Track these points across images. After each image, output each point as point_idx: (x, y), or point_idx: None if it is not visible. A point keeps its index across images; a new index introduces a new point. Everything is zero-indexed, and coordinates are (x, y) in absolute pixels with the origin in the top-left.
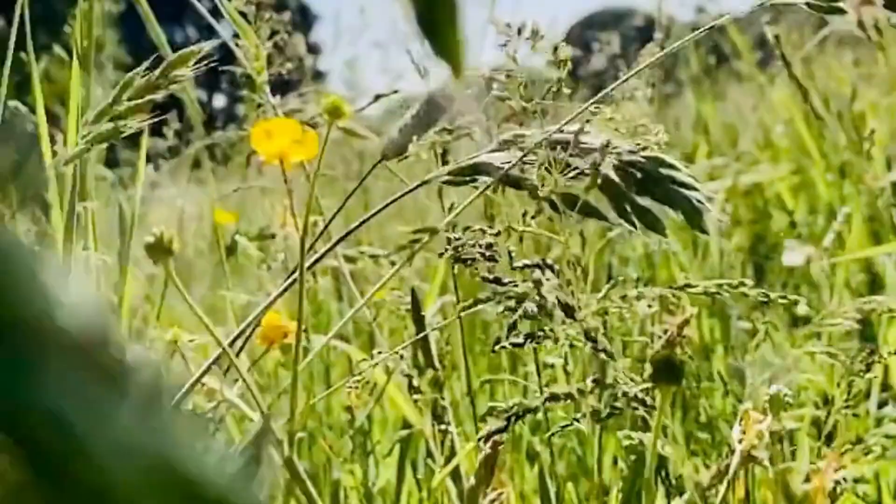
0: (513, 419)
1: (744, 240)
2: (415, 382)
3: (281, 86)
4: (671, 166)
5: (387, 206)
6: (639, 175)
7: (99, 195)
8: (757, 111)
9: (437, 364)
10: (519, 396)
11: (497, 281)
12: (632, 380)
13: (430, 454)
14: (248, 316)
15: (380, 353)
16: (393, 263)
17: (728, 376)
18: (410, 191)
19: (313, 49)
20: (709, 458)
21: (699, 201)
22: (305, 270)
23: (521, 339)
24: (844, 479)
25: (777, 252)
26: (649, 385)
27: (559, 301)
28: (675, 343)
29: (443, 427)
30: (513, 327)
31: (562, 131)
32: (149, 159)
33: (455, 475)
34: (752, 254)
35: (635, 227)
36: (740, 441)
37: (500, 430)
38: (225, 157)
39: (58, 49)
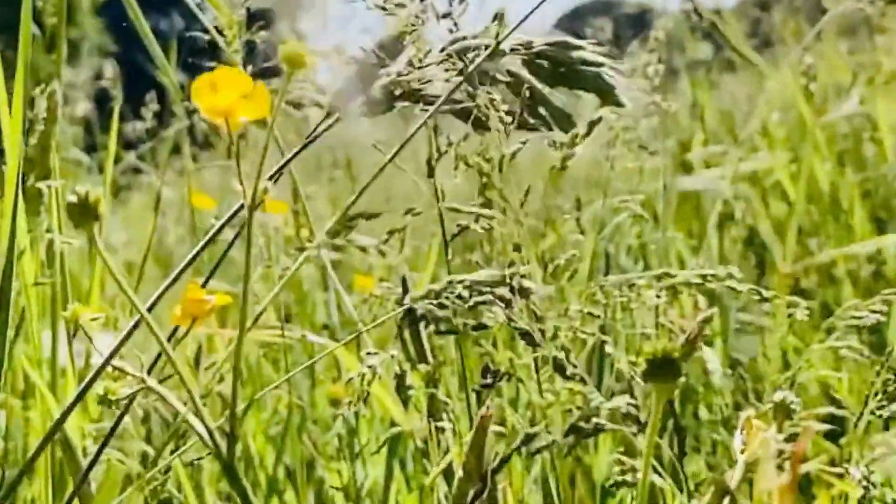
0: (500, 463)
1: (742, 230)
2: (406, 379)
3: (267, 73)
4: (578, 47)
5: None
6: (548, 65)
7: (77, 180)
8: (753, 100)
9: (429, 358)
10: (514, 391)
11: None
12: (631, 377)
13: (419, 451)
14: (230, 309)
15: (368, 353)
16: (382, 253)
17: (729, 369)
18: (326, 124)
19: (300, 37)
20: (713, 455)
21: (609, 76)
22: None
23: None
24: (873, 485)
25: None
26: (635, 402)
27: (519, 331)
28: (696, 341)
29: (440, 424)
30: (486, 370)
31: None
32: (130, 145)
33: (448, 474)
34: (751, 245)
35: (551, 129)
36: (742, 451)
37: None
38: (206, 142)
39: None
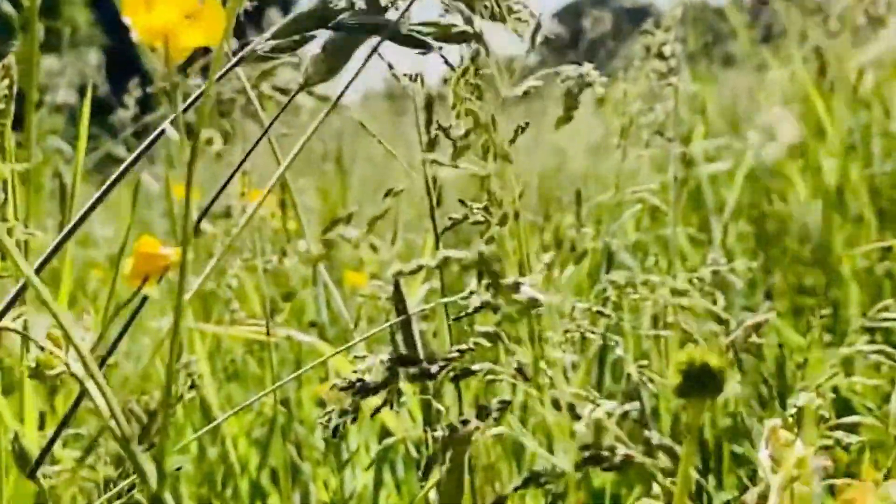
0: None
1: (747, 225)
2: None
3: (259, 58)
4: None
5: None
6: None
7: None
8: (754, 94)
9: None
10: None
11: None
12: (639, 382)
13: (410, 456)
14: (213, 304)
15: (357, 357)
16: (374, 247)
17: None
18: (238, 62)
19: None
20: (719, 465)
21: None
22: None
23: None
24: None
25: (781, 238)
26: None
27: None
28: (750, 347)
29: (436, 433)
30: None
31: None
32: (114, 134)
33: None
34: (757, 240)
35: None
36: (774, 471)
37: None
38: (190, 131)
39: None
